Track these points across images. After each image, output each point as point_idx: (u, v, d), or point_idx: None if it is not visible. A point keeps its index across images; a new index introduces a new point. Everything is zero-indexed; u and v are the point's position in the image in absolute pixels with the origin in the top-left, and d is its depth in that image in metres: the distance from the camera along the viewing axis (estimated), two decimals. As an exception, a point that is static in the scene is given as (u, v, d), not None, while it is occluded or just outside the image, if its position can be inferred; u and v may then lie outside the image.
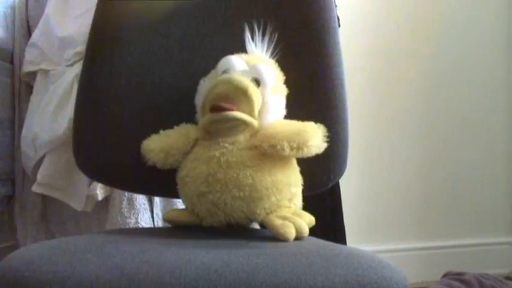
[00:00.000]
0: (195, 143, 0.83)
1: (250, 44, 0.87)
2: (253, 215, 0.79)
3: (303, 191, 0.85)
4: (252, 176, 0.77)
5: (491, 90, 2.10)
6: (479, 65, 2.08)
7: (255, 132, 0.80)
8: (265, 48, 0.88)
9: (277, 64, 0.88)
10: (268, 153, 0.78)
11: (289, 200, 0.81)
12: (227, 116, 0.78)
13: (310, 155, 0.78)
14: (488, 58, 2.09)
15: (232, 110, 0.77)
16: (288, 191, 0.81)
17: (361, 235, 1.87)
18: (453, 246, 2.02)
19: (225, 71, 0.83)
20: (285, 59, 0.90)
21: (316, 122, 0.83)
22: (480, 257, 2.01)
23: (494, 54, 2.10)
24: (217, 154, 0.79)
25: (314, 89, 0.91)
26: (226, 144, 0.79)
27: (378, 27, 1.99)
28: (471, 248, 2.03)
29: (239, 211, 0.79)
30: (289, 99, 0.87)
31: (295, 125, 0.81)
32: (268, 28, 0.89)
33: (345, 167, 0.92)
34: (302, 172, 0.84)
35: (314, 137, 0.77)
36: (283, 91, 0.86)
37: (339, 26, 1.02)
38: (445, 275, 1.51)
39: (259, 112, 0.80)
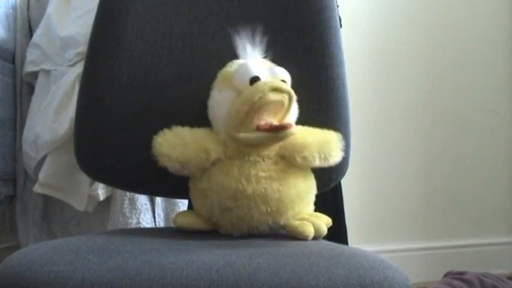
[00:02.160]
0: (217, 159, 0.80)
1: (245, 49, 0.84)
2: (277, 225, 0.79)
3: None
4: (279, 190, 0.77)
5: (493, 90, 2.10)
6: (481, 65, 2.08)
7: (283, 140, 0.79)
8: (260, 52, 0.86)
9: (277, 63, 0.87)
10: (297, 164, 0.78)
11: (307, 206, 0.82)
12: (290, 134, 0.77)
13: (333, 164, 0.81)
14: (489, 58, 2.09)
15: (291, 127, 0.76)
16: (308, 198, 0.82)
17: (363, 235, 1.87)
18: (454, 247, 2.02)
19: (253, 79, 0.78)
20: (286, 58, 0.90)
21: (317, 121, 0.83)
22: (481, 257, 2.01)
23: (496, 54, 2.10)
24: (248, 169, 0.77)
25: (316, 89, 0.91)
26: (257, 159, 0.78)
27: (380, 27, 1.98)
28: (472, 248, 2.03)
29: (264, 224, 0.79)
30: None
31: (320, 134, 0.82)
32: (258, 29, 0.87)
33: (347, 167, 0.92)
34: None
35: (337, 146, 0.80)
36: None
37: (341, 26, 1.02)
38: (446, 275, 1.50)
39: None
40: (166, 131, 0.83)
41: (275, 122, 0.77)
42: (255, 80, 0.78)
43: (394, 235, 1.98)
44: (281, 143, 0.79)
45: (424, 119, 2.03)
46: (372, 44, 1.97)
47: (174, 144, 0.80)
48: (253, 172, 0.77)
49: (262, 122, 0.76)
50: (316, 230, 0.77)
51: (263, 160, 0.78)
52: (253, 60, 0.84)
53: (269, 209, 0.77)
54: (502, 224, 2.09)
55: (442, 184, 2.04)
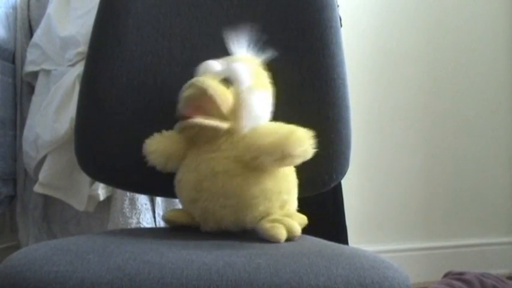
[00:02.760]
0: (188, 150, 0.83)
1: (232, 45, 0.85)
2: (242, 222, 0.78)
3: (306, 192, 0.85)
4: (240, 185, 0.76)
5: (494, 90, 2.10)
6: (482, 65, 2.08)
7: (239, 137, 0.78)
8: (248, 48, 0.86)
9: (274, 63, 0.87)
10: (251, 165, 0.76)
11: (281, 207, 0.79)
12: (189, 124, 0.78)
13: (295, 164, 0.77)
14: (490, 58, 2.09)
15: (192, 116, 0.78)
16: (278, 199, 0.78)
17: (363, 235, 1.87)
18: (455, 247, 2.02)
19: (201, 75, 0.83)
20: (287, 58, 0.90)
21: (318, 121, 0.83)
22: (482, 257, 2.01)
23: (497, 54, 2.10)
24: (203, 162, 0.79)
25: (316, 89, 0.91)
26: (212, 153, 0.78)
27: (380, 27, 1.98)
28: (473, 248, 2.03)
29: (228, 219, 0.78)
30: (292, 98, 0.87)
31: (279, 132, 0.76)
32: (253, 29, 0.87)
33: (347, 167, 0.91)
34: (304, 172, 0.83)
35: (298, 146, 0.73)
36: (266, 88, 0.84)
37: (341, 25, 1.02)
38: (446, 275, 1.50)
39: (237, 113, 0.78)
40: (155, 134, 0.86)
41: (187, 112, 0.79)
42: None
43: (395, 235, 1.98)
44: (237, 141, 0.77)
45: (425, 119, 2.03)
46: (373, 44, 1.97)
47: (160, 141, 0.85)
48: (208, 166, 0.78)
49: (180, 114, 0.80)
50: (289, 231, 0.75)
51: (218, 154, 0.78)
52: (234, 56, 0.84)
53: (229, 204, 0.77)
54: (502, 223, 2.09)
55: (442, 184, 2.04)
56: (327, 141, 0.85)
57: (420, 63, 2.02)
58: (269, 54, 0.87)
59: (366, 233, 1.92)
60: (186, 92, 0.80)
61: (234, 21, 0.92)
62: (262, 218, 0.78)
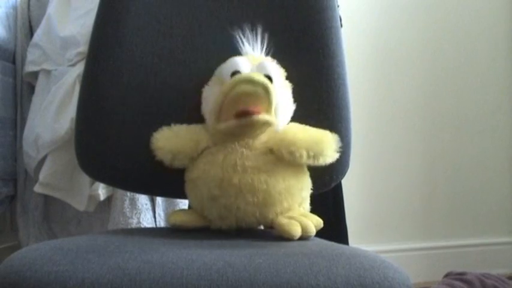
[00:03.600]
0: (205, 149, 0.82)
1: (244, 47, 0.87)
2: (264, 219, 0.79)
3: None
4: (266, 182, 0.77)
5: (494, 91, 2.10)
6: (482, 66, 2.08)
7: (271, 134, 0.80)
8: (259, 49, 0.87)
9: (276, 62, 0.88)
10: (284, 158, 0.78)
11: (299, 204, 0.82)
12: (257, 121, 0.77)
13: (324, 164, 0.80)
14: (490, 58, 2.09)
15: (259, 113, 0.76)
16: (300, 196, 0.81)
17: (363, 235, 1.87)
18: (455, 247, 2.02)
19: (234, 73, 0.81)
20: (287, 58, 0.90)
21: (318, 121, 0.83)
22: (482, 257, 2.01)
23: (497, 54, 2.10)
24: (233, 158, 0.78)
25: (316, 89, 0.91)
26: (243, 149, 0.79)
27: (380, 27, 1.98)
28: (473, 248, 2.03)
29: (251, 216, 0.79)
30: (292, 98, 0.87)
31: (313, 133, 0.81)
32: (259, 28, 0.89)
33: (348, 167, 0.91)
34: (305, 173, 0.84)
35: (330, 147, 0.79)
36: (288, 86, 0.87)
37: (341, 26, 1.02)
38: (446, 275, 1.50)
39: (276, 110, 0.79)
40: (164, 127, 0.85)
41: (251, 108, 0.77)
42: (235, 73, 0.81)
43: (395, 235, 1.98)
44: (271, 136, 0.79)
45: (425, 119, 2.03)
46: (373, 44, 1.97)
47: (169, 137, 0.84)
48: (239, 161, 0.78)
49: (238, 110, 0.77)
50: (304, 229, 0.76)
51: (250, 150, 0.78)
52: (250, 56, 0.85)
53: (255, 200, 0.77)
54: (503, 223, 2.09)
55: (442, 184, 2.04)
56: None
57: (420, 64, 2.02)
58: (271, 54, 0.88)
59: (366, 233, 1.92)
60: (240, 86, 0.76)
61: (235, 21, 0.92)
62: (282, 213, 0.79)
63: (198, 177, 0.81)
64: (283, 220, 0.78)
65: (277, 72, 0.84)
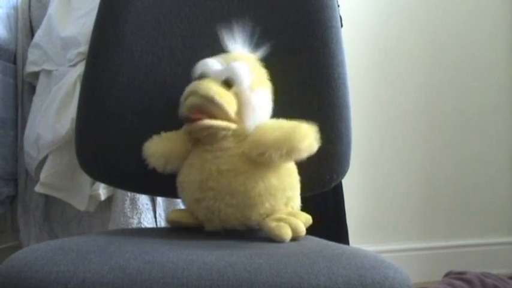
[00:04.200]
0: (192, 149, 0.83)
1: (228, 42, 0.86)
2: (248, 221, 0.79)
3: (306, 191, 0.85)
4: (245, 183, 0.76)
5: (494, 90, 2.10)
6: (483, 65, 2.08)
7: (244, 136, 0.79)
8: (244, 44, 0.86)
9: (274, 61, 0.87)
10: (257, 161, 0.77)
11: (285, 204, 0.80)
12: (197, 126, 0.78)
13: (301, 158, 0.77)
14: (491, 57, 2.09)
15: (200, 119, 0.77)
16: (283, 196, 0.79)
17: (363, 235, 1.87)
18: (455, 246, 2.02)
19: (200, 75, 0.82)
20: (287, 58, 0.90)
21: (318, 121, 0.82)
22: (483, 257, 2.00)
23: (497, 53, 2.10)
24: (208, 162, 0.79)
25: (317, 88, 0.91)
26: (217, 152, 0.79)
27: (381, 27, 1.98)
28: (473, 248, 2.03)
29: (233, 218, 0.78)
30: (292, 98, 0.87)
31: (284, 128, 0.77)
32: (247, 23, 0.88)
33: (348, 167, 0.91)
34: (304, 172, 0.84)
35: (303, 140, 0.75)
36: (266, 86, 0.84)
37: (342, 25, 1.02)
38: (447, 275, 1.50)
39: (242, 113, 0.78)
40: (154, 136, 0.86)
41: (194, 115, 0.79)
42: (202, 77, 0.82)
43: (395, 235, 1.98)
44: (243, 138, 0.78)
45: (425, 118, 2.03)
46: (373, 44, 1.97)
47: (158, 143, 0.85)
48: (213, 166, 0.78)
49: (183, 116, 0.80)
50: (294, 230, 0.76)
51: (225, 152, 0.78)
52: (226, 55, 0.84)
53: (235, 202, 0.77)
54: (503, 223, 2.09)
55: (443, 184, 2.04)
56: (328, 141, 0.85)
57: (421, 63, 2.02)
58: (266, 49, 0.87)
59: (366, 233, 1.92)
60: (188, 99, 0.79)
61: (235, 21, 0.92)
62: (268, 215, 0.78)
63: (183, 180, 0.82)
64: (271, 223, 0.76)
65: (246, 74, 0.81)
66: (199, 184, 0.79)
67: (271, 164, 0.77)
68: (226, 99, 0.77)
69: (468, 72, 2.06)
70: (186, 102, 0.79)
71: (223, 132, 0.78)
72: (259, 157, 0.76)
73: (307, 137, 0.75)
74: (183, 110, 0.81)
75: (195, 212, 0.82)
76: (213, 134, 0.79)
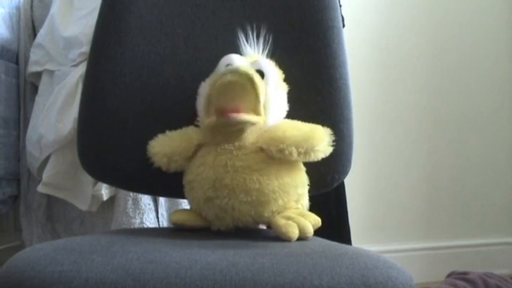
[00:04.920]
0: (198, 147, 0.82)
1: (245, 47, 0.87)
2: (260, 218, 0.79)
3: (309, 191, 0.85)
4: (259, 180, 0.77)
5: (496, 89, 2.09)
6: (484, 65, 2.08)
7: (261, 132, 0.79)
8: (261, 50, 0.87)
9: (278, 63, 0.87)
10: (274, 156, 0.77)
11: (296, 201, 0.81)
12: (234, 120, 0.75)
13: (316, 159, 0.78)
14: (493, 57, 2.09)
15: (238, 112, 0.75)
16: (295, 193, 0.80)
17: (366, 235, 1.87)
18: (458, 247, 2.02)
19: (228, 66, 0.82)
20: (289, 58, 0.90)
21: (320, 121, 0.83)
22: (485, 257, 2.00)
23: (499, 54, 2.10)
24: (223, 159, 0.78)
25: (318, 89, 0.91)
26: (232, 149, 0.78)
27: (382, 27, 1.98)
28: (476, 248, 2.02)
29: (247, 215, 0.78)
30: (294, 98, 0.87)
31: (302, 128, 0.80)
32: (262, 29, 0.89)
33: (350, 167, 0.91)
34: (307, 172, 0.84)
35: (321, 142, 0.78)
36: (284, 88, 0.86)
37: (344, 25, 1.02)
38: (449, 275, 1.50)
39: (266, 107, 0.78)
40: (159, 135, 0.86)
41: (230, 106, 0.75)
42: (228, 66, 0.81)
43: (398, 235, 1.98)
44: (260, 135, 0.78)
45: (427, 118, 2.03)
46: (375, 44, 1.97)
47: (163, 141, 0.85)
48: (229, 162, 0.78)
49: (218, 107, 0.76)
50: (301, 230, 0.76)
51: (240, 150, 0.78)
52: (248, 56, 0.85)
53: (249, 199, 0.77)
54: (506, 223, 2.09)
55: (445, 184, 2.04)
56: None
57: (422, 63, 2.02)
58: (273, 54, 0.88)
59: (369, 233, 1.92)
60: (225, 77, 0.75)
61: (237, 21, 0.92)
62: (279, 212, 0.79)
63: (193, 179, 0.81)
64: (280, 221, 0.77)
65: (273, 71, 0.83)
66: (213, 183, 0.78)
67: (286, 161, 0.78)
68: (261, 84, 0.77)
69: (470, 72, 2.06)
70: (221, 80, 0.76)
71: (250, 127, 0.78)
72: (278, 153, 0.77)
73: (323, 139, 0.78)
74: (212, 92, 0.77)
75: (203, 211, 0.81)
76: (240, 130, 0.78)
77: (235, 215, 0.79)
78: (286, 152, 0.76)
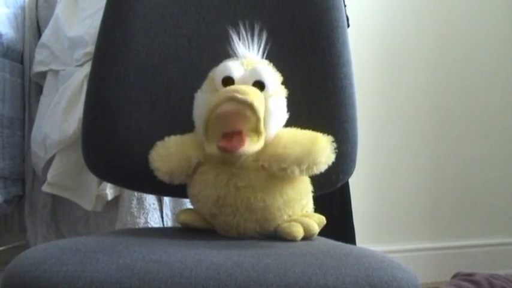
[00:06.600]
0: (198, 165, 0.81)
1: (240, 48, 0.84)
2: (267, 231, 0.79)
3: (313, 191, 0.85)
4: (264, 199, 0.76)
5: (501, 91, 2.09)
6: (489, 65, 2.07)
7: (261, 148, 0.77)
8: (256, 50, 0.85)
9: (282, 62, 0.86)
10: (277, 175, 0.76)
11: (301, 211, 0.81)
12: (237, 155, 0.74)
13: (319, 172, 0.77)
14: (497, 58, 2.08)
15: (242, 145, 0.73)
16: (300, 205, 0.80)
17: (370, 235, 1.86)
18: (463, 247, 2.01)
19: (225, 79, 0.79)
20: (294, 58, 0.90)
21: (325, 121, 0.82)
22: (490, 257, 2.00)
23: (503, 54, 2.09)
24: (224, 178, 0.77)
25: (323, 89, 0.91)
26: (233, 169, 0.77)
27: (387, 27, 1.98)
28: (481, 248, 2.02)
29: (253, 231, 0.78)
30: (298, 98, 0.87)
31: (303, 141, 0.77)
32: (262, 30, 0.87)
33: (354, 167, 0.91)
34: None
35: (323, 153, 0.76)
36: (283, 92, 0.84)
37: (348, 25, 1.02)
38: (454, 276, 1.50)
39: (266, 122, 0.76)
40: (158, 143, 0.84)
41: (230, 141, 0.73)
42: (227, 80, 0.79)
43: (402, 235, 1.98)
44: (261, 150, 0.76)
45: (432, 119, 2.02)
46: (379, 44, 1.97)
47: (162, 156, 0.82)
48: (230, 181, 0.77)
49: (220, 143, 0.73)
50: (306, 229, 0.76)
51: (241, 169, 0.77)
52: (244, 60, 0.82)
53: (254, 217, 0.77)
54: (510, 224, 2.08)
55: (450, 184, 2.03)
56: (334, 141, 0.85)
57: (427, 63, 2.02)
58: (277, 53, 0.87)
59: (373, 233, 1.91)
60: (224, 106, 0.73)
61: (241, 21, 0.92)
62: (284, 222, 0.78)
63: (197, 194, 0.81)
64: (284, 223, 0.77)
65: (271, 77, 0.81)
66: (216, 200, 0.78)
67: (289, 178, 0.77)
68: (261, 105, 0.75)
69: (474, 73, 2.06)
70: (221, 110, 0.73)
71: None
72: (280, 172, 0.76)
73: (325, 149, 0.76)
74: (212, 119, 0.75)
75: (212, 223, 0.81)
76: (243, 156, 0.76)
77: (241, 230, 0.78)
78: (289, 171, 0.75)
